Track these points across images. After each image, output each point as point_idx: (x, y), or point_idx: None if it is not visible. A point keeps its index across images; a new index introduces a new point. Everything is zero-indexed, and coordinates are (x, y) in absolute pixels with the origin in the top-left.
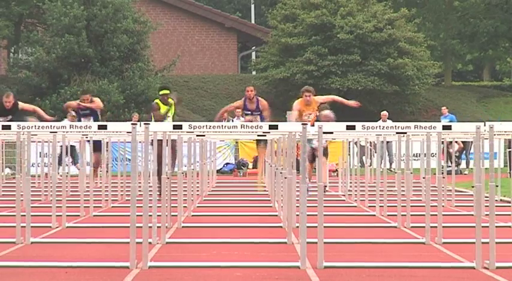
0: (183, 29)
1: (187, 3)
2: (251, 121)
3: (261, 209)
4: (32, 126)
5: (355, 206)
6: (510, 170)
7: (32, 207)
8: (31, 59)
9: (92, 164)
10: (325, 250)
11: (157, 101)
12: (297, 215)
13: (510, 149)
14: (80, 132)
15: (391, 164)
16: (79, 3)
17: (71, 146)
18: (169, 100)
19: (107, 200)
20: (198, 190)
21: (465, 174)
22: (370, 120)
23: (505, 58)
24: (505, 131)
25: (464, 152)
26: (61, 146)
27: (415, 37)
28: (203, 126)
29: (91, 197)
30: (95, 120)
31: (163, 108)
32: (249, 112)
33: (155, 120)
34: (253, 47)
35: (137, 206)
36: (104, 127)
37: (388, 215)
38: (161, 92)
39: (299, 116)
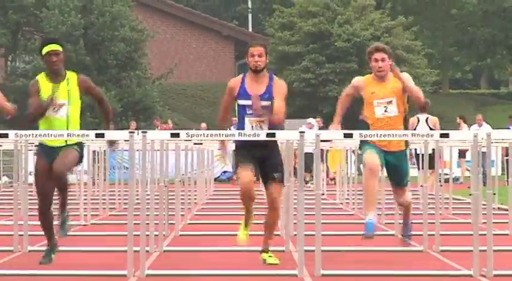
0: (180, 37)
1: (184, 11)
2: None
3: (258, 217)
4: (30, 135)
5: (353, 214)
6: (508, 178)
7: (29, 216)
8: (28, 67)
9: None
10: (322, 258)
11: (40, 76)
12: (295, 223)
13: (508, 157)
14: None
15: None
16: (76, 12)
17: None
18: (68, 75)
19: (104, 208)
20: (195, 198)
21: (460, 183)
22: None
23: (504, 66)
24: (502, 139)
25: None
26: None
27: (413, 45)
28: (200, 134)
29: (88, 205)
30: None
31: (46, 90)
32: (250, 102)
33: (32, 115)
34: None
35: (135, 215)
36: (102, 135)
37: (386, 223)
38: (46, 49)
39: (367, 104)
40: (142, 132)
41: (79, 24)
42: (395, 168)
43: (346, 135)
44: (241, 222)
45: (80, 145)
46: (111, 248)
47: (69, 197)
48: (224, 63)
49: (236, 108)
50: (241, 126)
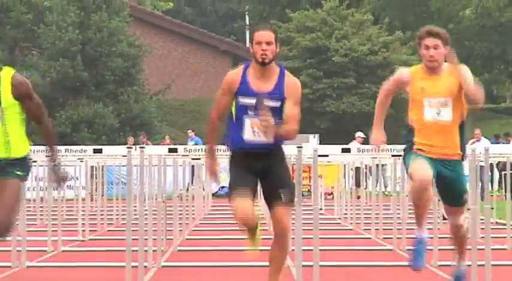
0: (177, 52)
1: (181, 27)
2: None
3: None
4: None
5: (351, 229)
6: (505, 192)
7: (27, 231)
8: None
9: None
10: (320, 273)
11: None
12: (293, 238)
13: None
14: (75, 156)
15: (386, 187)
16: (74, 27)
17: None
18: (1, 74)
19: (102, 223)
20: (193, 214)
21: None
22: (365, 143)
23: (502, 81)
24: (500, 154)
25: None
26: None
27: (410, 60)
28: (198, 149)
29: (86, 220)
30: None
31: None
32: (254, 101)
33: None
34: None
35: (133, 230)
36: (100, 151)
37: (384, 238)
38: None
39: (413, 104)
40: (140, 147)
41: (76, 40)
42: (450, 180)
43: (344, 150)
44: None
45: (24, 165)
46: (109, 263)
47: (67, 213)
48: (222, 78)
49: (233, 106)
50: (238, 128)
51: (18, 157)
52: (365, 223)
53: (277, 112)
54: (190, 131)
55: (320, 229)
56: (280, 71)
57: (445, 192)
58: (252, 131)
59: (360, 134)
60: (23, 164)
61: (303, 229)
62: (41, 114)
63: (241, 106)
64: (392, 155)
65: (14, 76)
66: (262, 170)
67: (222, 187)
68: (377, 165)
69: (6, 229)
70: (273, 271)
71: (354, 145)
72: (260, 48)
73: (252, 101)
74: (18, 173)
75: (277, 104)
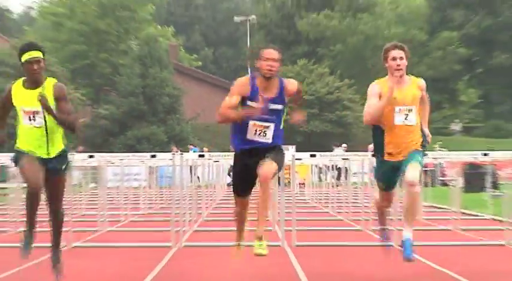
0: (204, 92)
1: (207, 76)
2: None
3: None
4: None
5: (315, 206)
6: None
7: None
8: (107, 112)
9: None
10: (297, 234)
11: (16, 83)
12: (279, 212)
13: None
14: (139, 159)
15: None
16: (137, 77)
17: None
18: (46, 82)
19: (156, 203)
20: (215, 197)
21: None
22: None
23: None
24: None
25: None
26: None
27: (354, 97)
28: (218, 155)
29: (146, 203)
30: None
31: (20, 97)
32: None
33: None
34: None
35: (176, 206)
36: (154, 156)
37: (338, 212)
38: (26, 56)
39: (387, 109)
40: (180, 154)
41: (139, 85)
42: (409, 158)
43: (311, 156)
44: (233, 244)
45: (65, 156)
46: (157, 228)
47: (132, 196)
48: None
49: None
50: (242, 130)
51: (56, 155)
52: (324, 202)
53: (278, 114)
54: (190, 146)
55: (296, 206)
56: (280, 80)
57: (405, 165)
58: (254, 132)
59: (344, 145)
60: (61, 158)
61: (285, 206)
62: (70, 112)
63: (247, 109)
64: (343, 158)
65: (56, 83)
66: (259, 158)
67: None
68: (332, 165)
69: (63, 215)
70: (259, 208)
71: (338, 151)
72: (266, 64)
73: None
74: (60, 167)
75: (279, 107)
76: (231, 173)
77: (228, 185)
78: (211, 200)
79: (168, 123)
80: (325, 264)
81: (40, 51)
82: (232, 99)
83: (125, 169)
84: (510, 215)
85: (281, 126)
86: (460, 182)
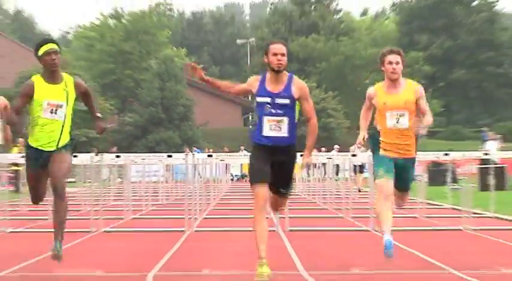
0: (212, 103)
1: (213, 89)
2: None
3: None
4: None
5: (305, 197)
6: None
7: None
8: (131, 120)
9: None
10: (289, 220)
11: (36, 78)
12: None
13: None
14: (157, 158)
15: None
16: (156, 89)
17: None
18: (65, 77)
19: (172, 195)
20: (220, 190)
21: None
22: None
23: None
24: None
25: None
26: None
27: (337, 108)
28: (223, 155)
29: (164, 195)
30: None
31: (43, 92)
32: (268, 99)
33: (8, 122)
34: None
35: (189, 197)
36: (170, 156)
37: (323, 202)
38: (44, 48)
39: (379, 113)
40: (192, 154)
41: (158, 96)
42: (404, 171)
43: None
44: (259, 262)
45: (69, 144)
46: (173, 216)
47: (152, 191)
48: (236, 116)
49: (255, 108)
50: (259, 126)
51: (62, 146)
52: (312, 194)
53: (288, 108)
54: (194, 148)
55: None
56: (289, 76)
57: (398, 177)
58: (269, 127)
59: (336, 146)
60: (66, 146)
61: None
62: (90, 91)
63: (259, 104)
64: (327, 158)
65: (75, 78)
66: (275, 163)
67: (236, 175)
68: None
69: (63, 187)
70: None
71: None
72: (276, 59)
73: (267, 99)
74: (70, 150)
75: (286, 101)
76: (248, 169)
77: (232, 180)
78: (218, 192)
79: (182, 128)
80: (314, 245)
81: (56, 44)
82: (241, 85)
83: (146, 167)
84: (467, 205)
85: (295, 120)
86: (425, 177)
